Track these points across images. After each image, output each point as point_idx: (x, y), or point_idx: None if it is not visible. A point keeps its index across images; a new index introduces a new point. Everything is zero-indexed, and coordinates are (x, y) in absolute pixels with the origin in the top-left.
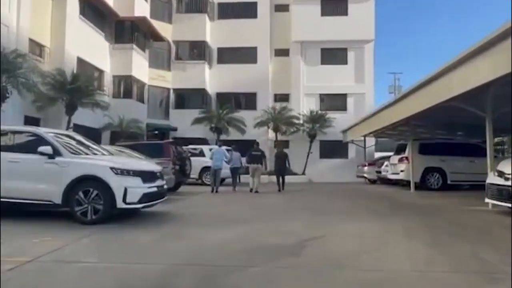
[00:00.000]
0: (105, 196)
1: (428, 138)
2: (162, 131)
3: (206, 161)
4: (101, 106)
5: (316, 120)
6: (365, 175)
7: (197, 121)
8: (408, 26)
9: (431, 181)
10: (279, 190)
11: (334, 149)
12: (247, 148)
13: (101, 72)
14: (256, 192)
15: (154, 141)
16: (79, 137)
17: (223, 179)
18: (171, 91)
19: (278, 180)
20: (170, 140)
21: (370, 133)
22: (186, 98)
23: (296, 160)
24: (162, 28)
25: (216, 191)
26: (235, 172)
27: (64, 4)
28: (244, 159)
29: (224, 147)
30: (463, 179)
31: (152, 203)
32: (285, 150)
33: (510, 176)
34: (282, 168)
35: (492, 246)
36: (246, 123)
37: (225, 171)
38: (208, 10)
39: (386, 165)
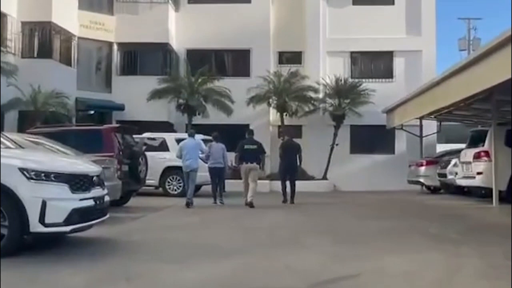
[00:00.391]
0: (11, 213)
1: None
2: (100, 111)
3: (170, 158)
4: (3, 71)
5: (345, 94)
6: (422, 179)
7: (157, 94)
8: None
9: None
10: (285, 202)
11: (373, 139)
12: (236, 137)
13: (2, 16)
14: (251, 205)
15: (89, 126)
16: None
17: (199, 186)
18: (115, 47)
19: (284, 187)
20: (114, 125)
21: (430, 113)
22: (139, 58)
23: (313, 156)
24: None
25: (188, 205)
26: (217, 174)
27: None
28: (231, 155)
29: (199, 137)
30: None
31: (86, 224)
32: (296, 141)
33: None
34: (291, 167)
35: None
36: (235, 97)
37: (203, 174)
38: None
39: (455, 165)
